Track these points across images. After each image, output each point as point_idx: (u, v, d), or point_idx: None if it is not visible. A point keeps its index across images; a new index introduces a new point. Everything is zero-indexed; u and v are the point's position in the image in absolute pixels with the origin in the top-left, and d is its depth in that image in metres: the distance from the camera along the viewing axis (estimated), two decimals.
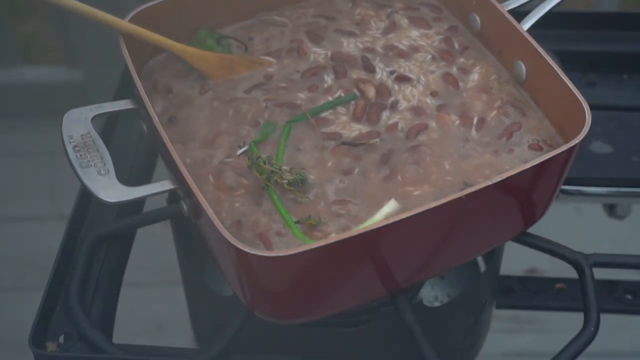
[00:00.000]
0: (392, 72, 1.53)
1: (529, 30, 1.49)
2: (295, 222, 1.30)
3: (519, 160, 1.41)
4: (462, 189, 1.28)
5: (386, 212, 1.28)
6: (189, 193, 1.27)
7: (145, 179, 1.64)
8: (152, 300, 2.91)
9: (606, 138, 1.76)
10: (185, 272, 1.68)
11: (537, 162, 1.28)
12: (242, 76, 1.55)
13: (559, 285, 1.62)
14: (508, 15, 1.50)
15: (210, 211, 1.21)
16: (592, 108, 1.37)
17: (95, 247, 1.30)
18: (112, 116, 1.64)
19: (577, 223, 2.85)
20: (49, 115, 2.07)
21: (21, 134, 3.11)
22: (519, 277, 1.62)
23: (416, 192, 1.35)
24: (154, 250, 2.44)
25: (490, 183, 1.25)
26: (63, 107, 1.28)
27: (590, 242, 1.65)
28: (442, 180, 1.37)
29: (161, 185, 1.22)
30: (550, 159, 1.29)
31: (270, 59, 1.58)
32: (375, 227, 1.08)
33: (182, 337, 1.88)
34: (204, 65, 1.53)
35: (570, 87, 1.39)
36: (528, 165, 1.28)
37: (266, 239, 1.30)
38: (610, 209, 1.82)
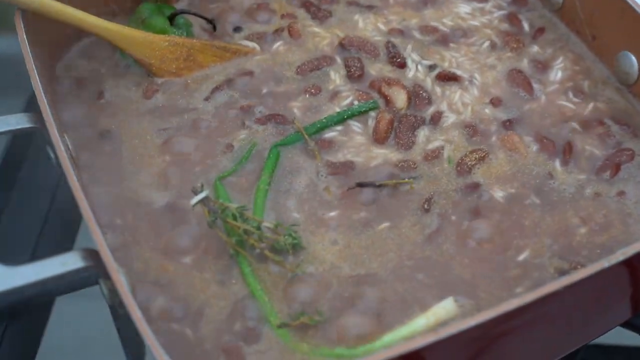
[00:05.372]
0: (431, 68, 1.08)
1: None
2: (280, 325, 0.80)
3: (637, 208, 0.91)
4: (555, 269, 0.88)
5: (438, 317, 0.78)
6: (107, 275, 0.77)
7: (59, 244, 1.10)
8: None
9: None
10: None
11: None
12: (208, 72, 1.09)
13: None
14: None
15: (137, 315, 0.72)
16: None
17: None
18: (18, 137, 1.14)
19: None
20: None
21: None
22: None
23: (479, 269, 0.85)
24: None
25: (606, 265, 0.75)
26: None
27: None
28: (518, 245, 0.91)
29: (62, 264, 0.74)
30: None
31: (250, 44, 1.11)
32: (425, 343, 0.71)
33: None
34: (149, 55, 1.06)
35: None
36: None
37: (233, 351, 0.79)
38: None
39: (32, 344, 1.05)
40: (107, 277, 0.81)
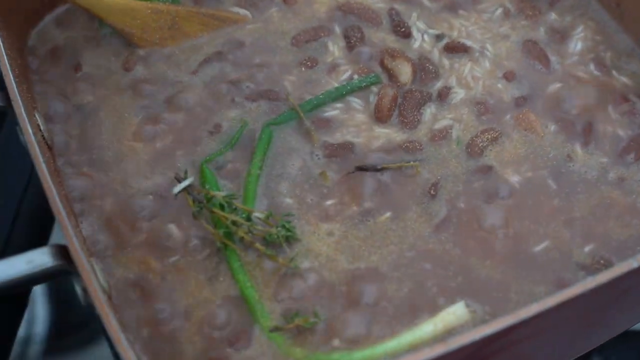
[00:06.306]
0: (438, 37, 1.00)
1: None
2: (273, 329, 0.73)
3: None
4: (577, 265, 0.82)
5: (446, 323, 0.70)
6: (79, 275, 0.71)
7: (33, 236, 1.01)
8: None
9: None
10: None
11: None
12: (195, 42, 1.00)
13: None
14: None
15: (113, 327, 0.66)
16: None
17: None
18: None
19: None
20: None
21: None
22: None
23: (491, 262, 0.78)
24: None
25: (635, 266, 0.70)
26: None
27: None
28: (536, 235, 0.83)
29: (29, 262, 0.68)
30: None
31: (241, 11, 1.03)
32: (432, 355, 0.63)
33: None
34: (130, 25, 0.98)
35: None
36: None
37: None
38: None
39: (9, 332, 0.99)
40: (79, 275, 0.73)
